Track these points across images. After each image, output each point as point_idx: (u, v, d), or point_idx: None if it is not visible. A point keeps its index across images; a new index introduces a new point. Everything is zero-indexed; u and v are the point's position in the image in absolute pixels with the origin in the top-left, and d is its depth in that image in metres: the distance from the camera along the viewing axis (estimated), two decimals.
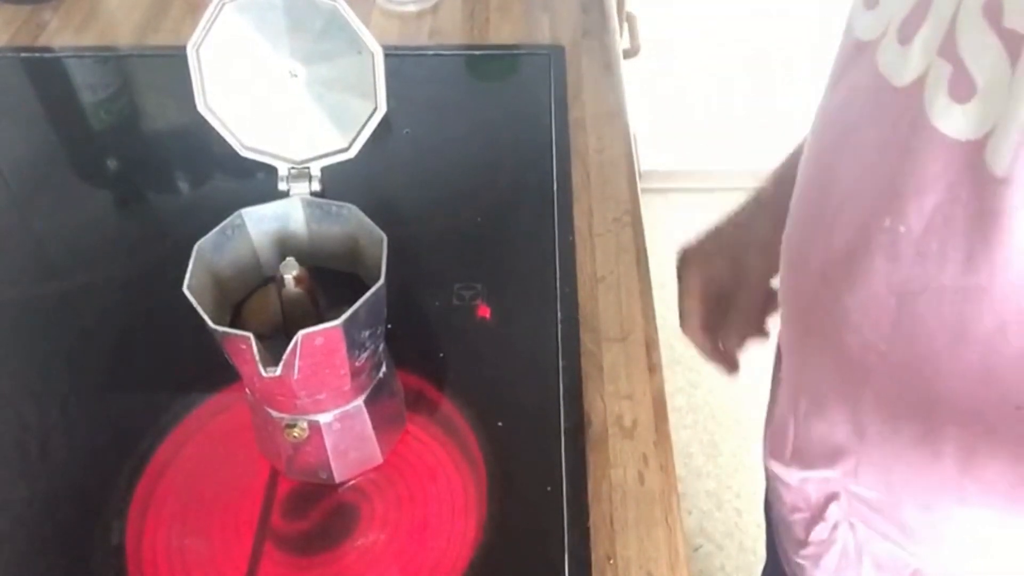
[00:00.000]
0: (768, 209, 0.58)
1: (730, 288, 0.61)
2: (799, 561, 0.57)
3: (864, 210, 0.38)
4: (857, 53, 0.40)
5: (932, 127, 0.33)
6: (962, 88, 0.32)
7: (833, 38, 0.45)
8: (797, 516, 0.55)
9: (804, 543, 0.55)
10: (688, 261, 0.63)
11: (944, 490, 0.41)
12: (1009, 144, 0.30)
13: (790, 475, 0.53)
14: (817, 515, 0.52)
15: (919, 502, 0.44)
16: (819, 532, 0.53)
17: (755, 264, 0.59)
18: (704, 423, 1.56)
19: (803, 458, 0.51)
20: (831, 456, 0.47)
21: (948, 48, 0.33)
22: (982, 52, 0.31)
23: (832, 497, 0.50)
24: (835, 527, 0.52)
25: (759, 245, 0.58)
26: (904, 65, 0.35)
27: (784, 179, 0.55)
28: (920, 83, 0.34)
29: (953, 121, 0.32)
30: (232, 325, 0.48)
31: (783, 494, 0.55)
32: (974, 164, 0.32)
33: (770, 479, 0.58)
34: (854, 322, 0.40)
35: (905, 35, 0.36)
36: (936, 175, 0.34)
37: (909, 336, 0.37)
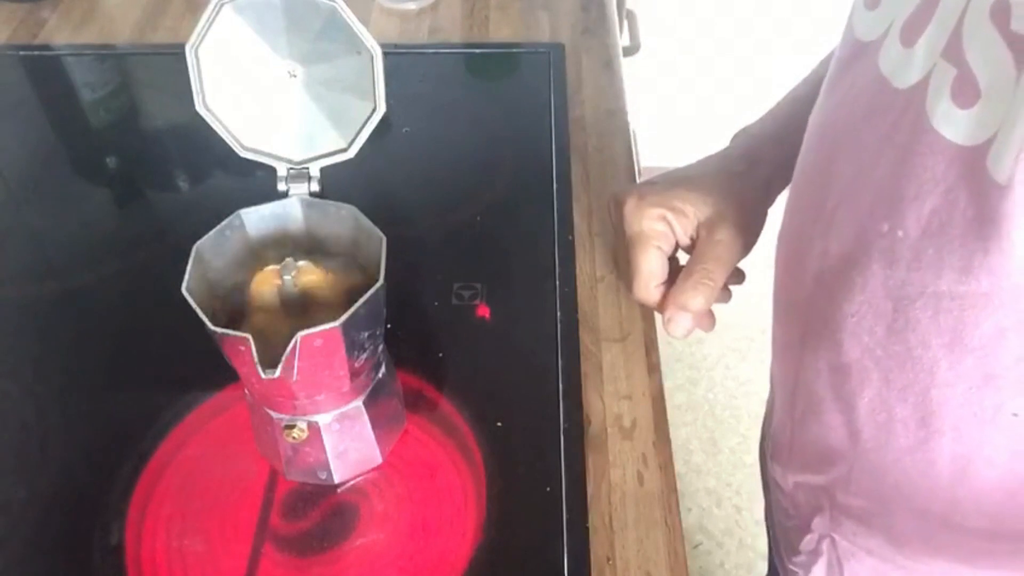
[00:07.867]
0: (763, 167, 0.54)
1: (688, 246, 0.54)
2: (792, 568, 0.56)
3: (861, 214, 0.38)
4: (858, 53, 0.39)
5: (933, 130, 0.33)
6: (966, 92, 0.32)
7: (834, 35, 0.44)
8: (789, 523, 0.55)
9: (796, 551, 0.55)
10: (634, 210, 0.54)
11: (937, 499, 0.41)
12: (1012, 151, 0.30)
13: (786, 478, 0.53)
14: (805, 525, 0.52)
15: (913, 510, 0.44)
16: (808, 543, 0.53)
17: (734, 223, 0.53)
18: (703, 420, 1.56)
19: (799, 460, 0.50)
20: (824, 461, 0.47)
21: (953, 51, 0.32)
22: (988, 56, 0.31)
23: (817, 510, 0.50)
24: (820, 539, 0.51)
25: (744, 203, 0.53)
26: (906, 67, 0.35)
27: (782, 137, 0.53)
28: (922, 86, 0.34)
29: (955, 125, 0.32)
30: (227, 320, 0.48)
31: (779, 498, 0.55)
32: (975, 170, 0.31)
33: (768, 482, 0.58)
34: (850, 327, 0.40)
35: (908, 36, 0.35)
36: (935, 179, 0.33)
37: (905, 341, 0.37)
